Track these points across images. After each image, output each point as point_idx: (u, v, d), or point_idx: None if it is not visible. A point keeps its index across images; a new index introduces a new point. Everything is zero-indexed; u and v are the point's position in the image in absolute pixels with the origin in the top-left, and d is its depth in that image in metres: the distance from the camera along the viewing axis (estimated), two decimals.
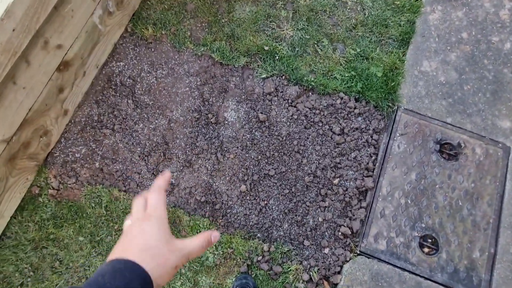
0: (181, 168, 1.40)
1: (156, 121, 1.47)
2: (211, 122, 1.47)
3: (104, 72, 1.53)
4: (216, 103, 1.51)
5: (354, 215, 1.35)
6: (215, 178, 1.40)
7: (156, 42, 1.60)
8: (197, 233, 1.30)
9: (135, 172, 1.40)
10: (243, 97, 1.53)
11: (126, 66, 1.54)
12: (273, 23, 1.66)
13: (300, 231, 1.33)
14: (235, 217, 1.34)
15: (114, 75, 1.52)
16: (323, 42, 1.64)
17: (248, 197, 1.36)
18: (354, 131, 1.48)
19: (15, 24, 0.94)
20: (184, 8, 1.66)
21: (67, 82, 1.34)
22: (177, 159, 1.42)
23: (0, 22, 0.88)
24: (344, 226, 1.33)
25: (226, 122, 1.48)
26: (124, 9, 1.53)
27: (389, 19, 1.68)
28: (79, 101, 1.46)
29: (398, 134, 1.46)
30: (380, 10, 1.70)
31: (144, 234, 0.42)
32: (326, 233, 1.33)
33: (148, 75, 1.54)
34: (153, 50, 1.59)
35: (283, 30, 1.65)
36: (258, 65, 1.58)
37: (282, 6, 1.68)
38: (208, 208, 1.36)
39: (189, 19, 1.65)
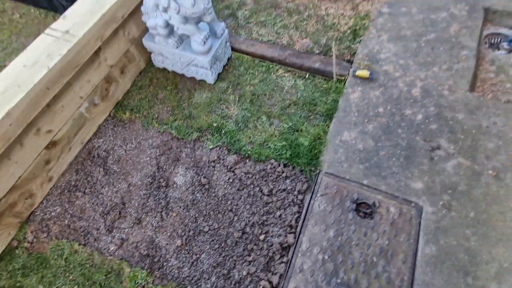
0: (132, 225, 1.67)
1: (119, 185, 1.81)
2: (162, 185, 1.78)
3: (87, 147, 1.96)
4: (169, 169, 1.84)
5: (275, 270, 1.48)
6: (158, 234, 1.64)
7: (131, 122, 2.05)
8: (136, 283, 1.50)
9: (94, 228, 1.68)
10: (192, 164, 1.86)
11: (104, 142, 1.97)
12: (223, 105, 2.09)
13: (226, 284, 1.48)
14: (170, 269, 1.53)
15: (94, 149, 1.95)
16: (262, 118, 2.01)
17: (183, 251, 1.57)
18: (281, 192, 1.71)
19: (12, 121, 1.38)
20: (156, 97, 2.16)
21: (54, 156, 1.76)
22: (130, 217, 1.70)
23: (0, 121, 1.32)
24: (265, 280, 1.46)
25: (174, 185, 1.79)
26: (108, 100, 2.04)
27: (317, 99, 2.05)
28: (63, 170, 1.86)
29: (319, 195, 1.67)
30: (310, 92, 2.09)
31: None
32: (249, 287, 1.46)
33: (119, 148, 1.95)
34: (127, 129, 2.03)
35: (230, 110, 2.06)
36: (207, 138, 1.95)
37: (231, 92, 2.13)
38: (148, 260, 1.56)
39: (159, 105, 2.12)
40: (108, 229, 1.66)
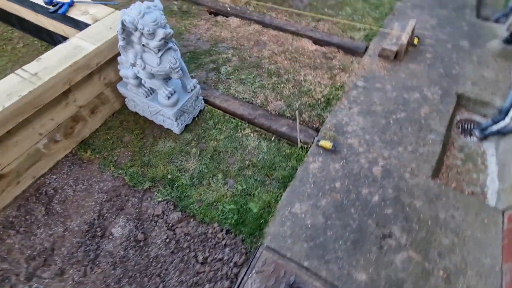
0: (53, 276, 1.57)
1: (55, 228, 1.75)
2: (97, 235, 1.71)
3: (38, 181, 1.94)
4: (110, 218, 1.78)
5: None
6: None
7: (89, 163, 2.05)
8: None
9: (14, 274, 1.58)
10: (134, 216, 1.80)
11: (56, 179, 1.96)
12: (183, 157, 2.08)
13: None
14: None
15: (44, 185, 1.93)
16: (217, 176, 1.98)
17: None
18: (217, 261, 1.60)
19: None
20: (121, 139, 2.18)
21: None
22: (54, 266, 1.61)
23: None
24: None
25: (110, 236, 1.71)
26: (72, 138, 2.06)
27: (277, 164, 2.03)
28: (5, 204, 1.83)
29: (254, 271, 1.56)
30: (272, 156, 2.07)
31: None
32: None
33: (69, 188, 1.92)
34: (83, 168, 2.02)
35: (189, 163, 2.04)
36: (158, 190, 1.91)
37: (195, 145, 2.14)
38: None
39: (121, 148, 2.13)
40: (27, 277, 1.56)
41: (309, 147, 2.07)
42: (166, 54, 1.71)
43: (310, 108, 2.35)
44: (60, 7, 2.12)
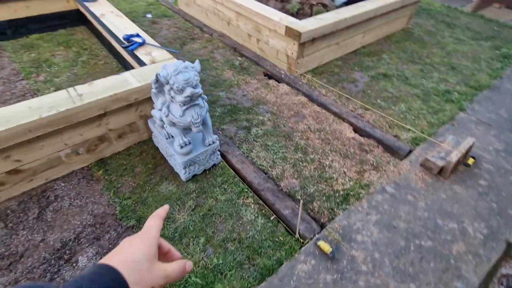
0: (7, 284, 1.58)
1: (36, 235, 1.80)
2: (64, 258, 1.70)
3: (47, 184, 2.09)
4: (84, 244, 1.78)
5: None
6: None
7: (96, 181, 2.15)
8: None
9: None
10: (105, 251, 1.76)
11: (63, 188, 2.08)
12: (178, 206, 2.04)
13: None
14: None
15: (50, 189, 2.06)
16: (199, 239, 1.86)
17: None
18: None
19: None
20: (133, 169, 2.27)
21: (11, 181, 1.91)
22: (13, 274, 1.62)
23: None
24: None
25: (74, 264, 1.69)
26: (93, 153, 2.22)
27: (265, 249, 1.83)
28: (12, 196, 1.98)
29: None
30: (263, 238, 1.89)
31: (131, 247, 0.47)
32: None
33: (68, 199, 2.01)
34: (89, 185, 2.12)
35: (179, 215, 1.99)
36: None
37: (194, 197, 2.09)
38: None
39: (129, 177, 2.21)
40: None
41: (306, 243, 1.85)
42: (190, 109, 1.79)
43: (324, 198, 2.16)
44: (132, 44, 2.46)
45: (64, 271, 1.66)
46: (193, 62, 3.69)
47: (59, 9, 3.80)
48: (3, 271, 1.63)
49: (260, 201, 2.11)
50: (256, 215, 2.02)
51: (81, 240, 1.80)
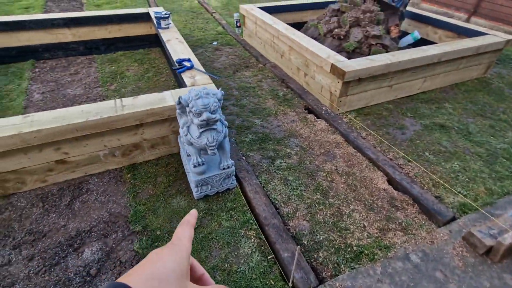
0: (23, 258, 1.82)
1: (61, 220, 2.06)
2: (73, 246, 1.89)
3: (85, 177, 2.40)
4: (92, 238, 1.95)
5: None
6: (17, 283, 1.69)
7: (123, 183, 2.38)
8: None
9: (3, 235, 1.93)
10: (107, 249, 1.89)
11: (96, 183, 2.35)
12: None
13: None
14: None
15: (85, 182, 2.35)
16: None
17: None
18: None
19: (37, 135, 1.94)
20: (156, 178, 2.44)
21: (58, 169, 2.26)
22: (31, 250, 1.86)
23: (29, 132, 1.89)
24: None
25: (79, 254, 1.85)
26: (127, 158, 2.48)
27: None
28: (58, 181, 2.32)
29: None
30: (253, 276, 1.80)
31: (158, 261, 0.38)
32: None
33: (96, 194, 2.26)
34: (116, 185, 2.36)
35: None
36: (141, 239, 1.97)
37: (199, 217, 2.13)
38: None
39: (150, 185, 2.37)
40: (14, 246, 1.88)
41: None
42: (207, 132, 1.88)
43: (333, 249, 1.96)
44: (182, 67, 2.75)
45: (69, 258, 1.84)
46: (240, 88, 3.94)
47: (143, 33, 4.51)
48: (27, 245, 1.90)
49: (262, 236, 2.03)
50: (253, 249, 1.94)
51: (92, 233, 1.99)
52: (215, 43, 5.14)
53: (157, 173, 2.48)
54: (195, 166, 2.04)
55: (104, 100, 3.39)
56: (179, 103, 1.83)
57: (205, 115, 1.75)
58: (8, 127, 1.94)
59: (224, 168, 2.16)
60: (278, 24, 4.12)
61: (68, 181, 2.36)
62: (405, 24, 5.09)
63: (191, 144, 1.99)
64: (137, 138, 2.39)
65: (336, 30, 4.09)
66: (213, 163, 2.22)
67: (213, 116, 1.77)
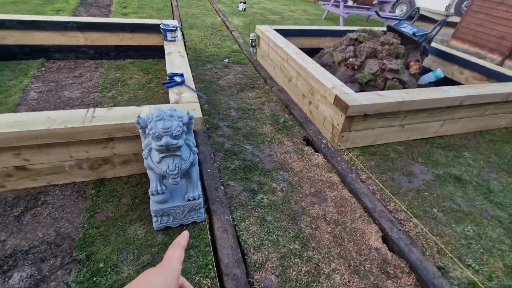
0: None
1: (3, 234, 1.86)
2: (3, 268, 1.66)
3: (47, 187, 2.21)
4: (26, 261, 1.72)
5: None
6: None
7: (83, 199, 2.17)
8: None
9: None
10: (39, 278, 1.65)
11: (56, 195, 2.16)
12: (131, 256, 1.83)
13: None
14: None
15: (45, 193, 2.17)
16: None
17: None
18: None
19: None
20: (121, 199, 2.21)
21: (16, 175, 2.10)
22: None
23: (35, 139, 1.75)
24: None
25: (7, 279, 1.62)
26: (94, 172, 2.28)
27: None
28: (14, 188, 2.16)
29: None
30: None
31: (147, 281, 0.39)
32: None
33: (50, 208, 2.06)
34: (74, 201, 2.14)
35: (126, 267, 1.76)
36: (79, 269, 1.72)
37: (154, 252, 1.86)
38: None
39: (112, 206, 2.14)
40: None
41: None
42: (169, 158, 1.64)
43: None
44: (171, 82, 2.58)
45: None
46: (240, 109, 3.73)
47: (154, 43, 4.49)
48: None
49: (218, 285, 1.71)
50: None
51: (29, 255, 1.77)
52: (226, 60, 5.04)
53: (123, 193, 2.25)
54: (153, 195, 1.80)
55: (97, 106, 3.29)
56: (138, 123, 1.62)
57: (164, 140, 1.52)
58: None
59: (189, 200, 1.90)
60: (289, 47, 3.94)
61: (28, 189, 2.19)
62: (429, 61, 4.76)
63: (151, 169, 1.76)
64: (107, 152, 2.20)
65: (351, 59, 3.84)
66: (179, 191, 1.97)
67: (174, 142, 1.54)
